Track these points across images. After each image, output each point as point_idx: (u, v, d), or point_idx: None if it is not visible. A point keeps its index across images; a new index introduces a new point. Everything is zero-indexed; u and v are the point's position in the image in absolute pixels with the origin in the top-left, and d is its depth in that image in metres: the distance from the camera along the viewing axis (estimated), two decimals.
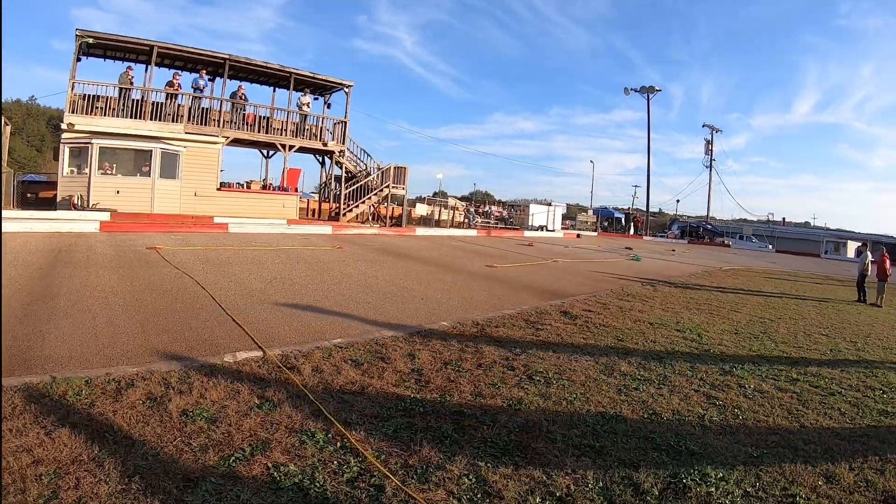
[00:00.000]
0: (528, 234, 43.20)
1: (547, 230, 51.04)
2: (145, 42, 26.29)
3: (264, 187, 30.50)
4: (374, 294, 11.81)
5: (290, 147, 30.14)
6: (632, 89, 76.40)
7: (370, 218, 35.20)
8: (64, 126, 24.14)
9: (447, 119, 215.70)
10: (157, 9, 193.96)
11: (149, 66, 26.69)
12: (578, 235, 51.91)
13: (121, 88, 25.78)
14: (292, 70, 30.20)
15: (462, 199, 72.08)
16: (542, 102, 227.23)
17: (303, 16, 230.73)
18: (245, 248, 17.21)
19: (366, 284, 12.87)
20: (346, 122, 32.45)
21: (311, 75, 31.11)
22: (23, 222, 18.17)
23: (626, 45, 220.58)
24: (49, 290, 10.06)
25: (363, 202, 32.77)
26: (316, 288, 11.98)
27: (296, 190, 31.34)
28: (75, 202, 22.96)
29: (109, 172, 24.30)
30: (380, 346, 7.87)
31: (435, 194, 79.03)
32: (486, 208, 60.88)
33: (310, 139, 31.37)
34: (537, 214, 55.79)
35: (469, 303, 11.79)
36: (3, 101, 38.70)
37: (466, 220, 48.44)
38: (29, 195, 28.01)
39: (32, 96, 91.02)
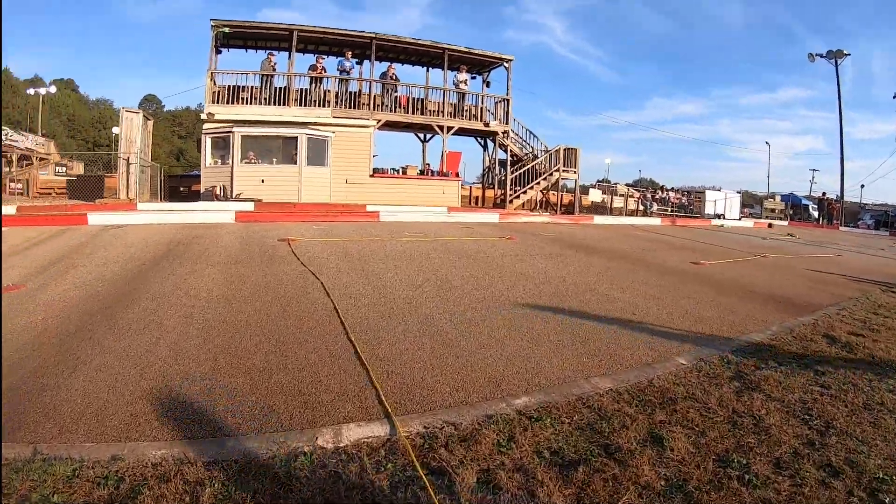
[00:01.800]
0: (714, 222, 38.14)
1: (724, 218, 45.46)
2: (284, 26, 24.68)
3: (422, 173, 27.73)
4: (565, 305, 8.33)
5: (449, 128, 27.12)
6: (817, 55, 66.33)
7: (538, 205, 31.73)
8: (204, 116, 23.13)
9: (603, 105, 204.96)
10: (308, 19, 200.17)
11: (290, 53, 25.05)
12: (770, 225, 45.81)
13: (263, 76, 24.33)
14: (446, 46, 27.08)
15: (627, 186, 67.05)
16: (701, 84, 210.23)
17: (450, 12, 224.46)
18: (395, 240, 14.10)
19: (551, 290, 9.34)
20: (508, 101, 28.90)
21: (467, 50, 27.76)
22: (153, 214, 16.98)
23: (786, 14, 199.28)
24: (132, 293, 8.22)
25: (531, 188, 29.09)
26: (482, 296, 8.67)
27: (456, 175, 28.33)
28: (217, 193, 21.75)
29: (253, 161, 22.84)
30: (596, 416, 4.47)
31: (599, 182, 74.08)
32: (664, 194, 55.64)
33: (469, 120, 28.11)
34: (715, 201, 50.09)
35: (695, 318, 8.00)
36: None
37: (642, 208, 43.88)
38: (182, 189, 27.81)
39: (200, 104, 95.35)
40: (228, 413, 4.38)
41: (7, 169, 30.42)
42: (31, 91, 64.37)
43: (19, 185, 26.87)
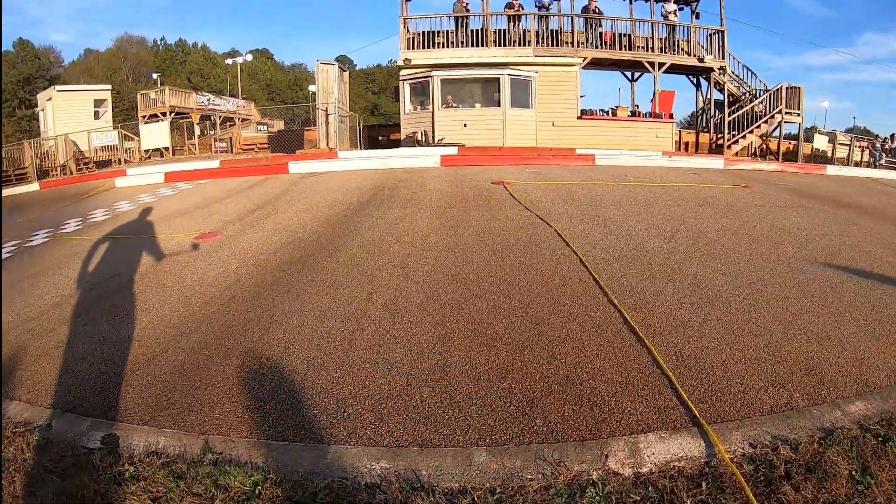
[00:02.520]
0: None
1: None
2: None
3: (633, 114, 24.92)
4: (844, 267, 6.06)
5: (660, 65, 24.01)
6: None
7: (756, 152, 28.19)
8: (400, 62, 22.06)
9: (807, 43, 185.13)
10: None
11: None
12: None
13: (457, 18, 22.69)
14: None
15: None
16: None
17: None
18: (619, 185, 12.02)
19: (821, 249, 6.91)
20: (723, 32, 25.04)
21: None
22: (354, 161, 16.22)
23: None
24: (336, 240, 7.37)
25: (750, 132, 25.54)
26: (748, 252, 6.61)
27: (670, 116, 25.40)
28: (419, 138, 20.77)
29: (454, 105, 21.52)
30: None
31: (808, 130, 66.22)
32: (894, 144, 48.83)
33: (681, 55, 24.76)
34: None
35: None
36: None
37: (872, 159, 38.24)
38: (381, 138, 27.07)
39: (391, 59, 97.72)
40: (473, 407, 3.29)
41: (212, 131, 31.55)
42: (229, 61, 68.18)
43: (223, 144, 27.61)
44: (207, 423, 3.26)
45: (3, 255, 9.76)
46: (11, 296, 7.11)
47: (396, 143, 23.04)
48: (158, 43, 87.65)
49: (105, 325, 5.24)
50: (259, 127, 32.39)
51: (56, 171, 25.46)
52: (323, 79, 21.65)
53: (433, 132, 20.67)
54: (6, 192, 22.03)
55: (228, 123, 34.37)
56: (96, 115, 30.79)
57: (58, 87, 33.09)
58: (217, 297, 5.50)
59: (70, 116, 28.89)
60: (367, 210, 8.92)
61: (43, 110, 33.25)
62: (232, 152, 26.32)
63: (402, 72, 22.10)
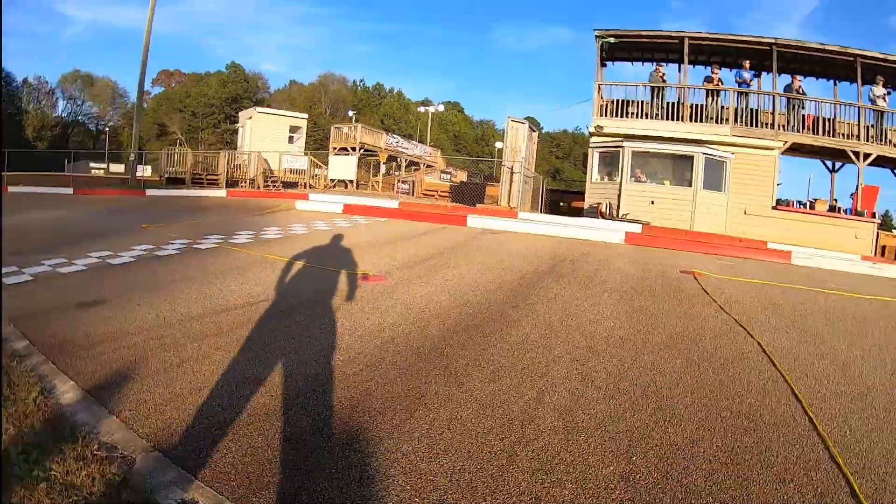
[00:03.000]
0: None
1: None
2: (674, 34, 21.96)
3: (832, 209, 22.91)
4: None
5: (866, 156, 21.56)
6: None
7: None
8: (591, 129, 21.60)
9: None
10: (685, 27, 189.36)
11: (681, 64, 22.26)
12: None
13: (652, 88, 21.98)
14: (857, 52, 21.43)
15: None
16: None
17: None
18: (822, 293, 10.49)
19: None
20: None
21: (883, 57, 21.55)
22: (534, 224, 15.81)
23: None
24: (509, 313, 6.87)
25: None
26: None
27: (872, 215, 23.04)
28: (602, 210, 20.13)
29: (642, 180, 20.65)
30: None
31: None
32: None
33: (887, 146, 22.02)
34: None
35: None
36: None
37: None
38: (562, 204, 26.87)
39: (577, 126, 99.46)
40: None
41: (396, 172, 32.42)
42: (421, 109, 71.07)
43: (405, 186, 28.26)
44: None
45: (172, 251, 10.41)
46: (160, 295, 7.28)
47: (577, 212, 22.52)
48: (357, 84, 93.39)
49: (234, 356, 5.10)
50: (442, 175, 33.02)
51: (245, 183, 27.40)
52: (512, 136, 21.60)
53: (618, 205, 19.89)
54: (198, 192, 23.84)
55: (413, 167, 35.30)
56: (290, 140, 32.97)
57: (259, 109, 35.91)
58: (364, 356, 5.19)
59: (266, 136, 31.35)
60: (546, 283, 8.40)
61: (242, 127, 36.19)
62: (413, 195, 26.87)
63: (593, 139, 21.58)
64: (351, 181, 28.44)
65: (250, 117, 34.13)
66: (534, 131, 24.74)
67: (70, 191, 25.88)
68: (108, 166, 51.29)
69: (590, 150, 21.77)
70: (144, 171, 36.07)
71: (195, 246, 10.90)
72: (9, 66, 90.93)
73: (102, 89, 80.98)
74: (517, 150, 21.31)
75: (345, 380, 4.64)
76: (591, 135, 21.66)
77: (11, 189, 25.71)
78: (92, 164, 52.74)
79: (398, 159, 34.15)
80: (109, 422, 3.88)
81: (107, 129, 77.96)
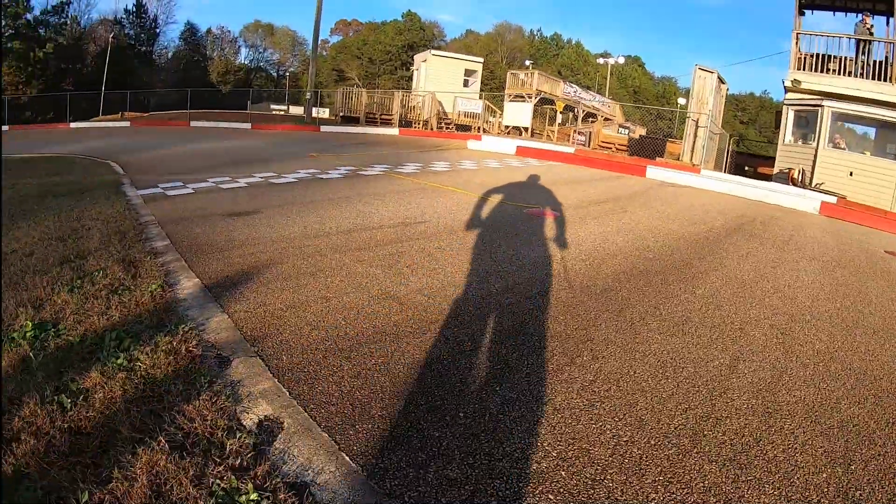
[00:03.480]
0: None
1: None
2: None
3: None
4: None
5: None
6: None
7: None
8: (787, 83, 18.85)
9: None
10: None
11: (890, 18, 18.85)
12: None
13: (857, 42, 18.57)
14: None
15: None
16: None
17: None
18: None
19: None
20: None
21: None
22: (718, 182, 14.44)
23: None
24: (693, 264, 6.15)
25: None
26: None
27: None
28: (794, 177, 17.69)
29: (841, 147, 17.98)
30: None
31: None
32: None
33: None
34: None
35: None
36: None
37: None
38: (746, 168, 24.52)
39: (765, 90, 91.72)
40: None
41: (572, 123, 31.42)
42: (600, 61, 68.66)
43: (582, 137, 27.27)
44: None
45: (335, 175, 10.64)
46: (313, 210, 7.34)
47: (764, 178, 20.31)
48: (534, 33, 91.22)
49: (375, 271, 4.91)
50: (621, 129, 31.49)
51: (419, 124, 27.67)
52: (699, 86, 19.82)
53: (812, 173, 17.63)
54: (371, 130, 24.55)
55: (590, 119, 34.02)
56: (465, 84, 32.75)
57: (433, 51, 36.12)
58: (523, 287, 4.72)
59: (440, 79, 31.24)
60: (735, 240, 7.49)
61: (417, 70, 36.53)
62: (589, 146, 25.76)
63: (788, 96, 19.04)
64: (526, 128, 27.59)
65: (425, 60, 34.08)
66: (723, 83, 22.66)
67: (248, 126, 27.88)
68: (287, 108, 53.50)
69: (784, 108, 19.26)
70: (321, 113, 37.25)
71: (359, 172, 11.02)
72: (194, 19, 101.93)
73: (282, 37, 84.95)
74: (704, 101, 19.53)
75: (498, 309, 4.19)
76: (787, 90, 19.08)
77: (194, 123, 28.94)
78: (273, 106, 55.37)
79: (575, 110, 32.90)
80: (220, 320, 3.72)
81: (287, 74, 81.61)
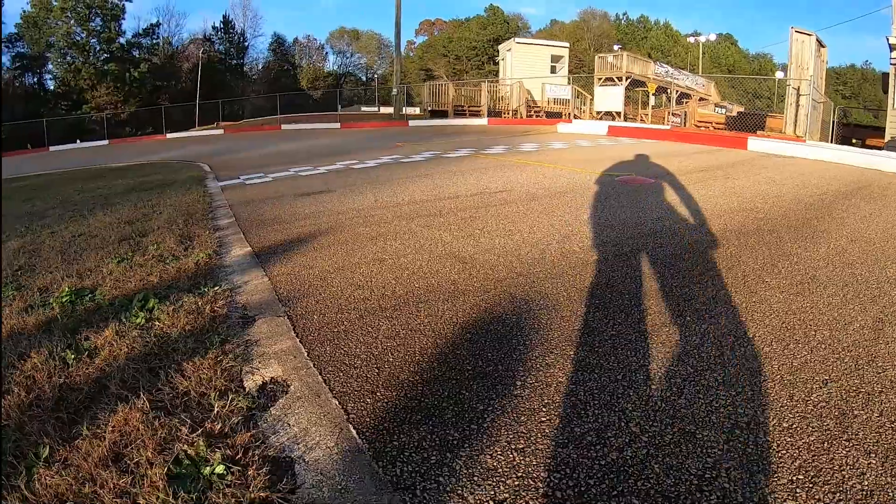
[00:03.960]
0: None
1: None
2: None
3: None
4: None
5: None
6: None
7: None
8: (893, 40, 17.58)
9: None
10: None
11: None
12: None
13: None
14: None
15: None
16: None
17: None
18: None
19: None
20: None
21: None
22: (825, 150, 13.21)
23: None
24: (812, 223, 5.62)
25: None
26: None
27: None
28: None
29: None
30: None
31: None
32: None
33: None
34: None
35: None
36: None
37: None
38: (854, 140, 23.15)
39: (867, 60, 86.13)
40: None
41: (667, 105, 30.52)
42: (691, 40, 66.54)
43: (677, 118, 26.34)
44: None
45: (418, 159, 10.85)
46: (389, 186, 7.45)
47: (872, 149, 19.14)
48: (621, 17, 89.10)
49: (442, 234, 4.81)
50: (717, 108, 30.23)
51: (508, 113, 27.56)
52: (797, 50, 18.61)
53: None
54: (459, 121, 24.59)
55: (684, 100, 32.86)
56: (552, 70, 32.34)
57: (517, 39, 36.11)
58: (611, 248, 4.51)
59: (526, 67, 31.27)
60: (854, 202, 6.91)
61: (503, 60, 36.54)
62: (685, 126, 24.86)
63: (894, 55, 17.67)
64: (618, 113, 26.87)
65: (510, 49, 33.86)
66: (822, 46, 21.18)
67: (337, 125, 29.27)
68: (378, 108, 54.45)
69: (891, 69, 17.98)
70: (412, 111, 37.72)
71: (443, 156, 11.16)
72: (281, 31, 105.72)
73: (368, 41, 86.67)
74: (804, 67, 18.29)
75: (581, 266, 4.00)
76: (893, 48, 17.68)
77: (285, 126, 30.59)
78: (363, 108, 56.90)
79: (668, 90, 31.84)
80: (258, 283, 3.72)
81: (375, 76, 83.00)
